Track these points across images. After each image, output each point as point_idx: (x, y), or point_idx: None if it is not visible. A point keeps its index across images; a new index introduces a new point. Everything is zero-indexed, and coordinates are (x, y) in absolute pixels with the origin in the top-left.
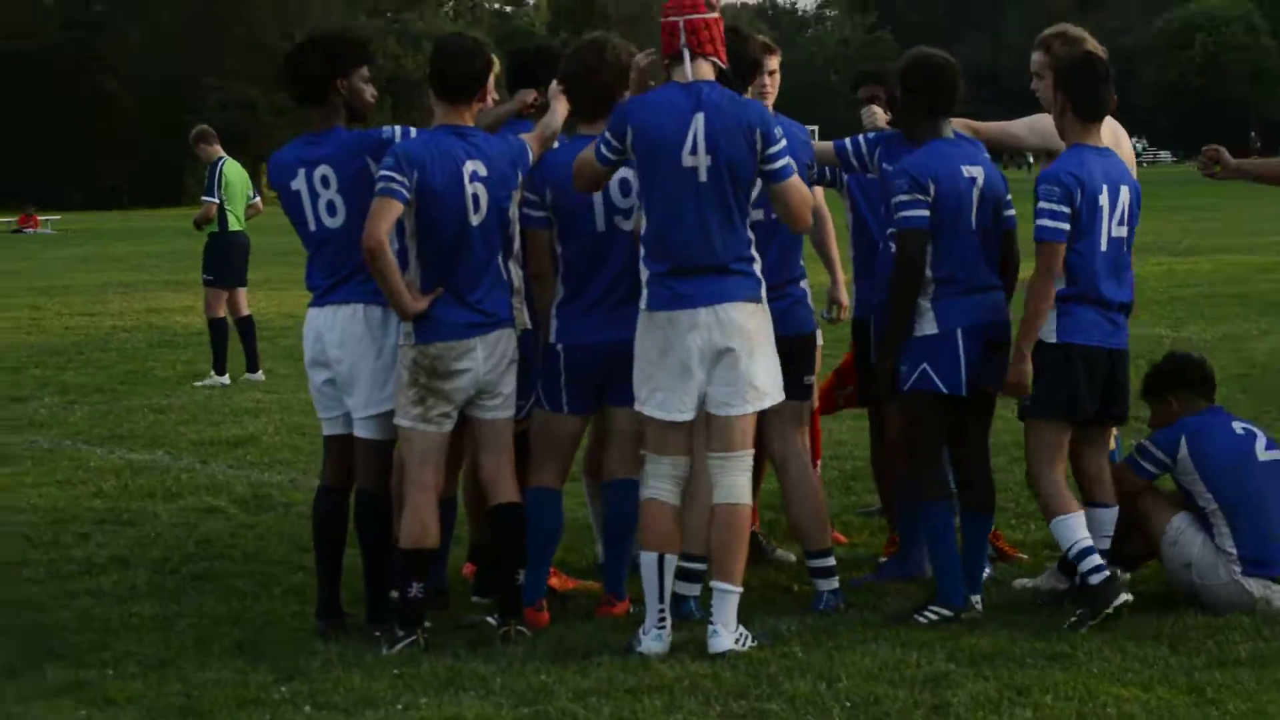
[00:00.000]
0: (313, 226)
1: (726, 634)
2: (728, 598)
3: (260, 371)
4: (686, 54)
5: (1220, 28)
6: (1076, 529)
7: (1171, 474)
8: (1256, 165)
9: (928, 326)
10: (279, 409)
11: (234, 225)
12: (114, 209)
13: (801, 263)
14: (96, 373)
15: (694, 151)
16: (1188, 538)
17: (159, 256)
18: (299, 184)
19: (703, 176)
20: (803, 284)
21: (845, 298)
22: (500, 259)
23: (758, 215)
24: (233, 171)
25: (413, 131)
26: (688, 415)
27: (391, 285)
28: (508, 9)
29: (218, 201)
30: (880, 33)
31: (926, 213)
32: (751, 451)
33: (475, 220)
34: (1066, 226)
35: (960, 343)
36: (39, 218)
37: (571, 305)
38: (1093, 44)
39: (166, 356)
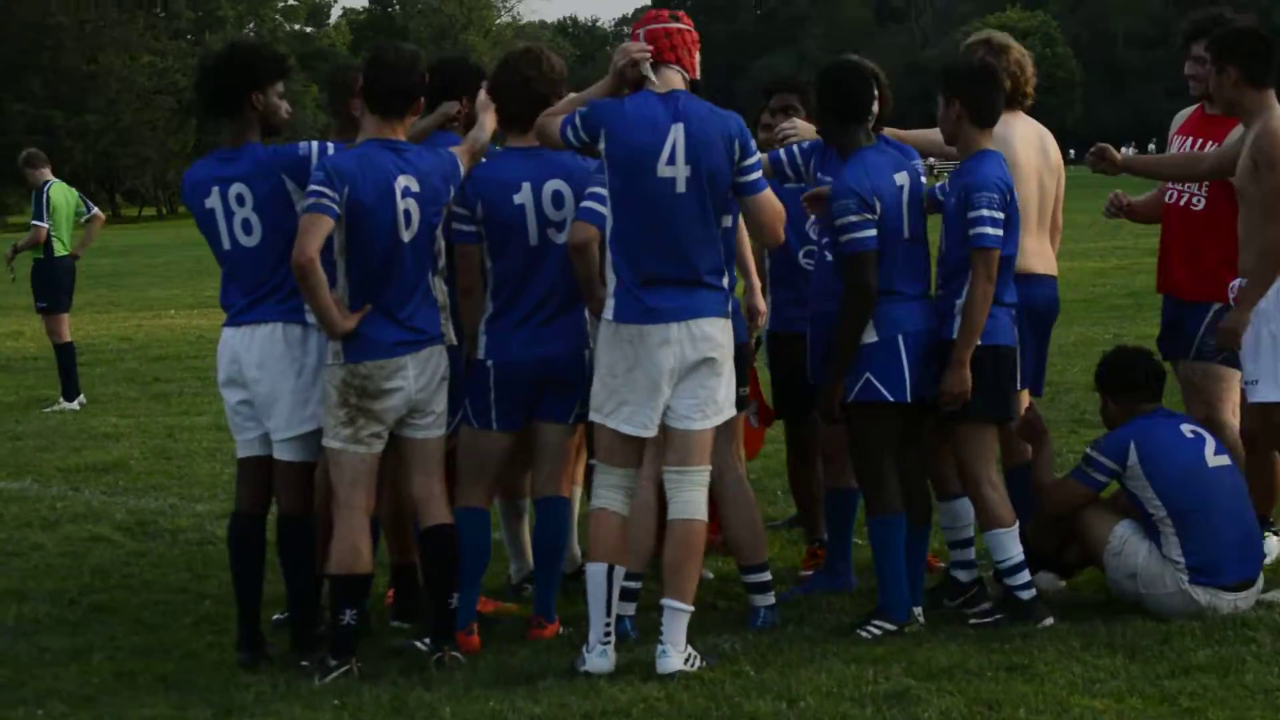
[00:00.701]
0: (227, 245)
1: (676, 654)
2: (679, 616)
3: (79, 399)
4: (648, 64)
5: (1018, 40)
6: (1014, 542)
7: (1119, 479)
8: (1141, 161)
9: (868, 335)
10: (139, 433)
11: (59, 250)
12: None
13: (735, 273)
14: None
15: (671, 161)
16: (1132, 547)
17: None
18: (213, 202)
19: (680, 187)
20: (735, 294)
21: (763, 305)
22: (429, 275)
23: None
24: (58, 195)
25: (330, 147)
26: (653, 431)
27: (321, 303)
28: (308, 30)
29: (47, 226)
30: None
31: (874, 232)
32: (708, 466)
33: (406, 236)
34: (1003, 232)
35: (902, 349)
36: None
37: (501, 320)
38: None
39: (6, 382)
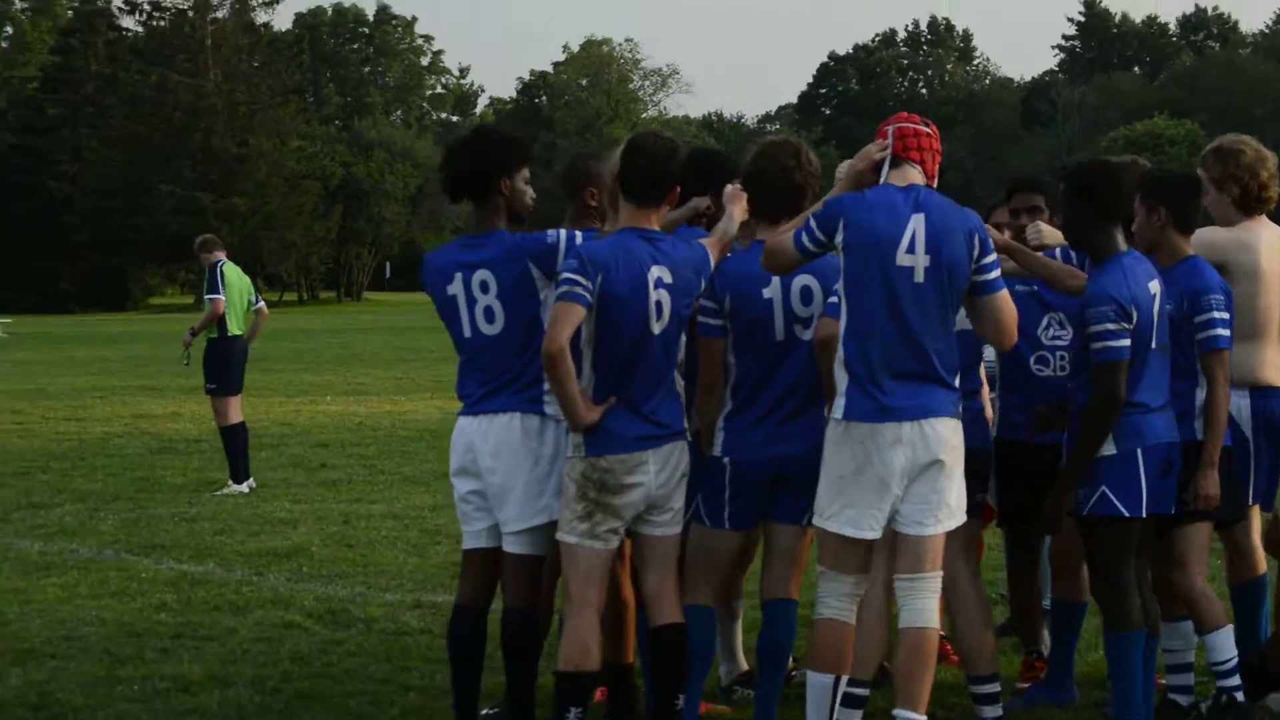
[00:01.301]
0: (468, 333)
1: None
2: None
3: (248, 481)
4: (889, 159)
5: (1165, 148)
6: (1232, 643)
7: None
8: None
9: (1107, 447)
10: (315, 519)
11: (233, 329)
12: (63, 314)
13: (981, 375)
14: (108, 480)
15: (911, 250)
16: None
17: (123, 361)
18: (455, 288)
19: (919, 277)
20: (981, 396)
21: (990, 412)
22: (675, 368)
23: None
24: (232, 272)
25: (579, 236)
26: (877, 534)
27: (568, 394)
28: (454, 118)
29: (223, 298)
30: (825, 148)
31: (1129, 342)
32: (941, 573)
33: (657, 328)
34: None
35: (1140, 463)
36: None
37: (740, 417)
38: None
39: (173, 464)
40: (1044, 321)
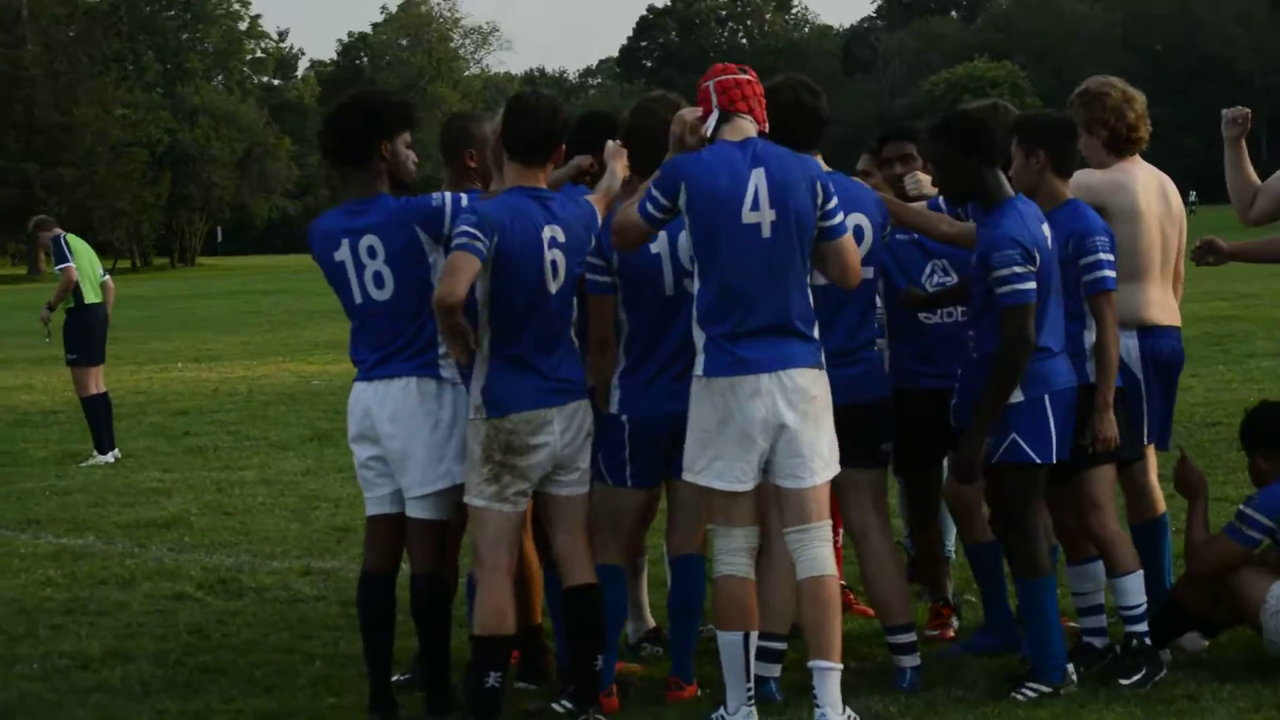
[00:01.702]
0: (359, 298)
1: (835, 715)
2: (830, 675)
3: (113, 452)
4: (717, 114)
5: (986, 90)
6: (1142, 588)
7: (1273, 537)
8: (1246, 247)
9: (1015, 395)
10: (187, 488)
11: (89, 297)
12: None
13: (876, 324)
14: None
15: (755, 207)
16: None
17: None
18: (343, 254)
19: (766, 232)
20: (878, 346)
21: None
22: (571, 326)
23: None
24: (77, 241)
25: (464, 199)
26: (749, 485)
27: (458, 341)
28: (276, 82)
29: (73, 265)
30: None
31: (1035, 285)
32: (829, 521)
33: (554, 287)
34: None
35: (1049, 408)
36: None
37: (635, 374)
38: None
39: (32, 436)
40: (927, 269)
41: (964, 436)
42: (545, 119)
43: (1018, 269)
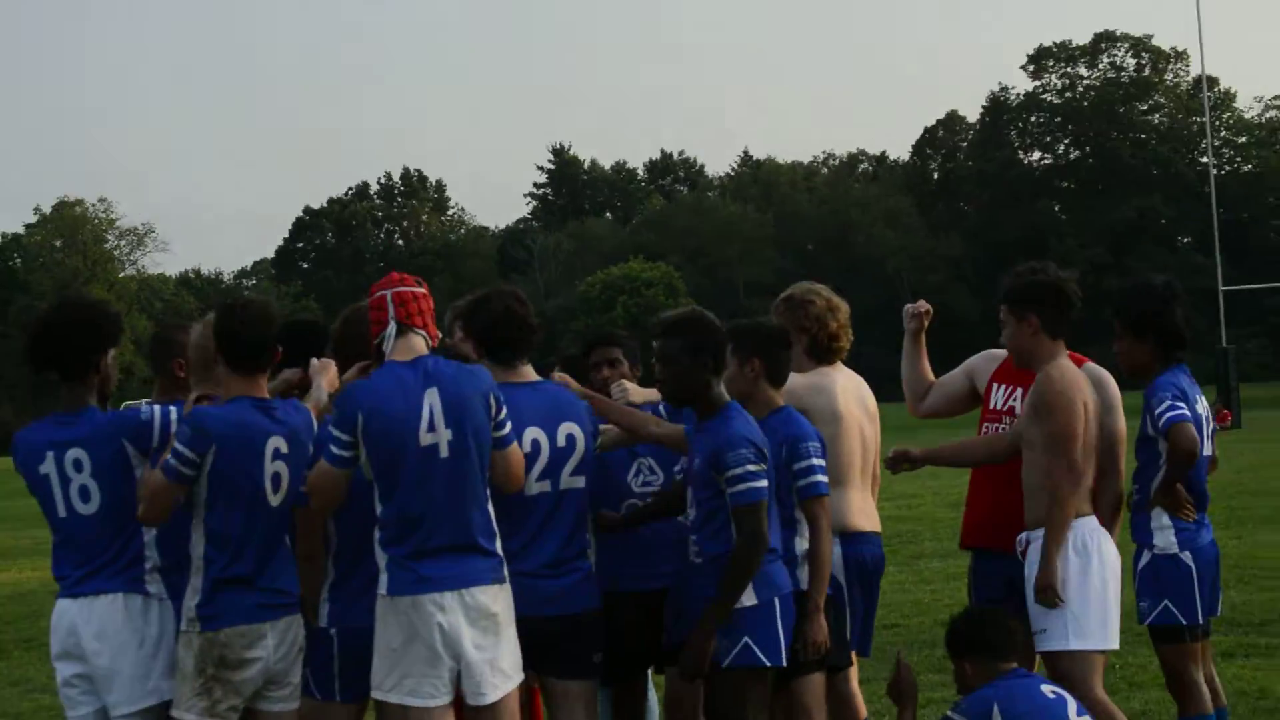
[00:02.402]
0: (63, 512)
1: None
2: None
3: None
4: (394, 327)
5: (641, 290)
6: None
7: None
8: (943, 453)
9: (747, 597)
10: None
11: None
12: None
13: (588, 536)
14: None
15: (431, 428)
16: None
17: None
18: (48, 467)
19: (444, 452)
20: (589, 556)
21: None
22: (287, 536)
23: (544, 487)
24: None
25: (173, 411)
26: (442, 700)
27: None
28: None
29: None
30: (305, 300)
31: (766, 483)
32: None
33: (275, 501)
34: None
35: (778, 612)
36: None
37: (345, 587)
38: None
39: None
40: (633, 469)
41: (694, 632)
42: (261, 327)
43: (751, 467)
